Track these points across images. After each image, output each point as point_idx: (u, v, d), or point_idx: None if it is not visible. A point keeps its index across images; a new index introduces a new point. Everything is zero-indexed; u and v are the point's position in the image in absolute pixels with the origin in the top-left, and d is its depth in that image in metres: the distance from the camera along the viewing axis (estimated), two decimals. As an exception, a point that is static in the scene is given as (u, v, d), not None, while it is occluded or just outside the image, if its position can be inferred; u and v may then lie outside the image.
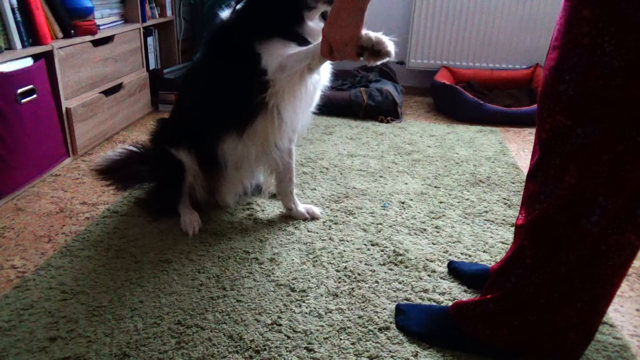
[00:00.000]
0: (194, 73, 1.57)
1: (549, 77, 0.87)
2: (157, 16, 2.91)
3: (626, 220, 0.86)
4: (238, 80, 1.38)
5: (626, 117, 0.80)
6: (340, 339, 1.11)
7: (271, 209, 1.70)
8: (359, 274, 1.35)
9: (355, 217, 1.66)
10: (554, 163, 0.89)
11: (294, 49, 1.32)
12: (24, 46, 1.84)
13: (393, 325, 1.16)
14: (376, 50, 1.13)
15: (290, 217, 1.65)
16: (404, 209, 1.73)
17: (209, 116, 1.49)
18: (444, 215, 1.69)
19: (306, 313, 1.19)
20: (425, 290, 1.29)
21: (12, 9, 1.78)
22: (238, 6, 1.36)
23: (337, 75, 3.14)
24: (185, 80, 1.68)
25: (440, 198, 1.82)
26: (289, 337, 1.11)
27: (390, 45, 1.15)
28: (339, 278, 1.33)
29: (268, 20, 1.33)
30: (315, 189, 1.87)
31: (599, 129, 0.82)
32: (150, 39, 2.89)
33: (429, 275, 1.35)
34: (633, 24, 0.75)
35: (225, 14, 1.41)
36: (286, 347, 1.08)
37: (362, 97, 2.74)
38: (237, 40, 1.37)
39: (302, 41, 1.34)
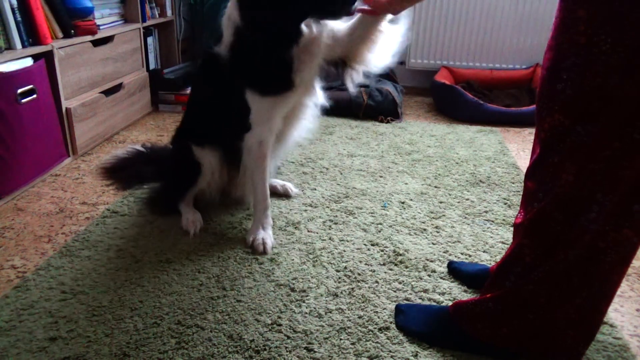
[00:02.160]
0: (196, 84, 1.61)
1: (547, 76, 0.88)
2: (157, 16, 2.91)
3: (623, 217, 0.86)
4: (231, 105, 1.42)
5: (623, 114, 0.80)
6: (340, 339, 1.11)
7: (271, 209, 1.70)
8: (359, 274, 1.35)
9: (355, 217, 1.66)
10: (552, 161, 0.89)
11: (280, 107, 1.38)
12: (24, 46, 1.84)
13: (393, 325, 1.16)
14: None
15: (288, 216, 1.65)
16: (404, 209, 1.73)
17: (216, 122, 1.52)
18: (444, 215, 1.69)
19: (306, 313, 1.19)
20: (425, 290, 1.29)
21: (12, 9, 1.78)
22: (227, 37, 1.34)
23: (337, 75, 3.16)
24: (192, 87, 1.69)
25: (440, 198, 1.82)
26: (289, 337, 1.11)
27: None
28: (339, 278, 1.33)
29: (259, 58, 1.30)
30: (315, 189, 1.87)
31: (596, 127, 0.82)
32: (150, 39, 2.89)
33: (429, 275, 1.35)
34: (628, 22, 0.76)
35: (218, 49, 1.38)
36: (286, 347, 1.08)
37: (362, 97, 2.74)
38: (231, 80, 1.39)
39: (289, 72, 1.31)
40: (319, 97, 1.53)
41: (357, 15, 1.36)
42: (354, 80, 1.47)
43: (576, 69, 0.82)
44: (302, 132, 1.62)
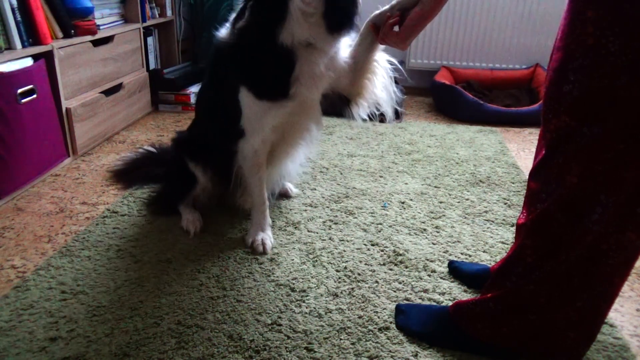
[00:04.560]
0: (202, 92, 1.59)
1: (553, 77, 0.87)
2: (157, 16, 2.91)
3: (627, 219, 0.86)
4: (228, 111, 1.39)
5: (629, 116, 0.80)
6: (340, 339, 1.11)
7: (271, 209, 1.70)
8: (359, 274, 1.35)
9: (355, 217, 1.66)
10: (557, 162, 0.89)
11: (271, 116, 1.32)
12: (24, 46, 1.84)
13: (393, 325, 1.16)
14: None
15: (288, 216, 1.65)
16: (404, 209, 1.73)
17: (218, 134, 1.50)
18: (444, 215, 1.69)
19: (306, 313, 1.19)
20: (425, 290, 1.29)
21: (12, 9, 1.78)
22: (238, 23, 1.29)
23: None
24: (197, 97, 1.68)
25: (440, 198, 1.82)
26: (289, 337, 1.11)
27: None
28: (339, 278, 1.33)
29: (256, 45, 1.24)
30: (315, 189, 1.87)
31: (602, 128, 0.82)
32: (150, 39, 2.89)
33: (429, 275, 1.35)
34: (637, 24, 0.76)
35: (223, 32, 1.35)
36: (286, 347, 1.08)
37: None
38: (228, 77, 1.37)
39: (288, 62, 1.23)
40: (321, 122, 1.49)
41: (354, 43, 1.36)
42: (360, 114, 1.46)
43: (583, 70, 0.82)
44: (297, 161, 1.62)
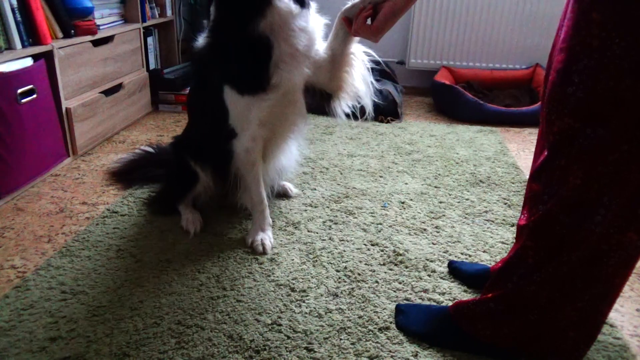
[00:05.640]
0: (191, 97, 1.60)
1: (557, 79, 0.87)
2: (157, 16, 2.91)
3: (628, 219, 0.86)
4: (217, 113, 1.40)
5: (633, 117, 0.80)
6: (340, 339, 1.11)
7: (271, 209, 1.70)
8: (359, 274, 1.35)
9: (355, 217, 1.66)
10: (559, 164, 0.89)
11: (256, 110, 1.32)
12: (24, 46, 1.84)
13: (393, 325, 1.16)
14: None
15: (288, 216, 1.65)
16: (404, 209, 1.73)
17: (209, 135, 1.51)
18: (444, 215, 1.69)
19: (306, 313, 1.19)
20: (425, 290, 1.29)
21: (12, 9, 1.78)
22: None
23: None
24: (188, 102, 1.68)
25: (440, 198, 1.82)
26: (289, 337, 1.11)
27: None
28: (339, 278, 1.33)
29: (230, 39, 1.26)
30: (315, 189, 1.87)
31: (606, 130, 0.82)
32: (150, 39, 2.89)
33: (429, 275, 1.35)
34: None
35: (200, 40, 1.37)
36: (286, 347, 1.08)
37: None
38: (211, 79, 1.38)
39: (265, 49, 1.25)
40: (306, 116, 1.50)
41: (329, 38, 1.37)
42: (343, 109, 1.47)
43: (588, 71, 0.81)
44: (292, 157, 1.63)
